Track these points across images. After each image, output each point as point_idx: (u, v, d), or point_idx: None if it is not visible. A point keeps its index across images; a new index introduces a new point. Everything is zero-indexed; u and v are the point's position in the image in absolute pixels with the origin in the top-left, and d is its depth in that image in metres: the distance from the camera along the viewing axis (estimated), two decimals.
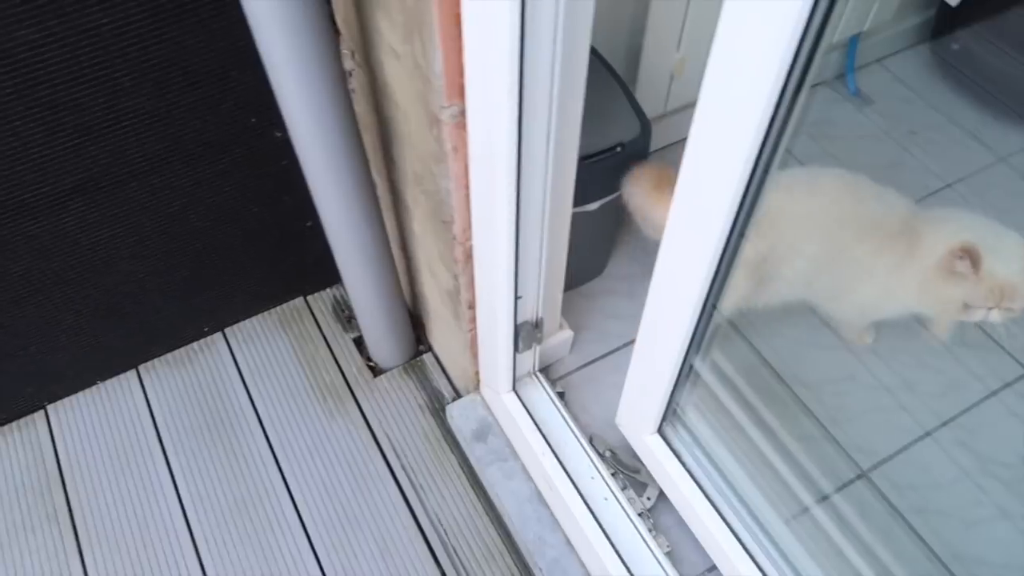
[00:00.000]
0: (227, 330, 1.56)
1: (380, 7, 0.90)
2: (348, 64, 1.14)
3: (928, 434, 1.38)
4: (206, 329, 1.54)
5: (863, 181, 1.31)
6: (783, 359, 1.46)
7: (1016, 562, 1.25)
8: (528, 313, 1.20)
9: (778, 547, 1.15)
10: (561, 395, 1.41)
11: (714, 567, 1.22)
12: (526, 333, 1.22)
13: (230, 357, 1.52)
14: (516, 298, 1.11)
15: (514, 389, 1.34)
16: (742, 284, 1.36)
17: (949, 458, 1.36)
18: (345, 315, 1.58)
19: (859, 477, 1.33)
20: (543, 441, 1.28)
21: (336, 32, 1.09)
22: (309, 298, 1.61)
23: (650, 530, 1.22)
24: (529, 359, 1.32)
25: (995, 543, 1.27)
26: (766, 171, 0.73)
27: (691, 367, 1.09)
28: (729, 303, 1.44)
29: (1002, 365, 1.46)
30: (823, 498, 1.30)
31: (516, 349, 1.23)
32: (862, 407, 1.42)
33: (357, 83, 1.16)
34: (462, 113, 0.87)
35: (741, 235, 0.83)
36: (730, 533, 1.15)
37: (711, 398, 1.26)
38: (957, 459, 1.36)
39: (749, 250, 1.31)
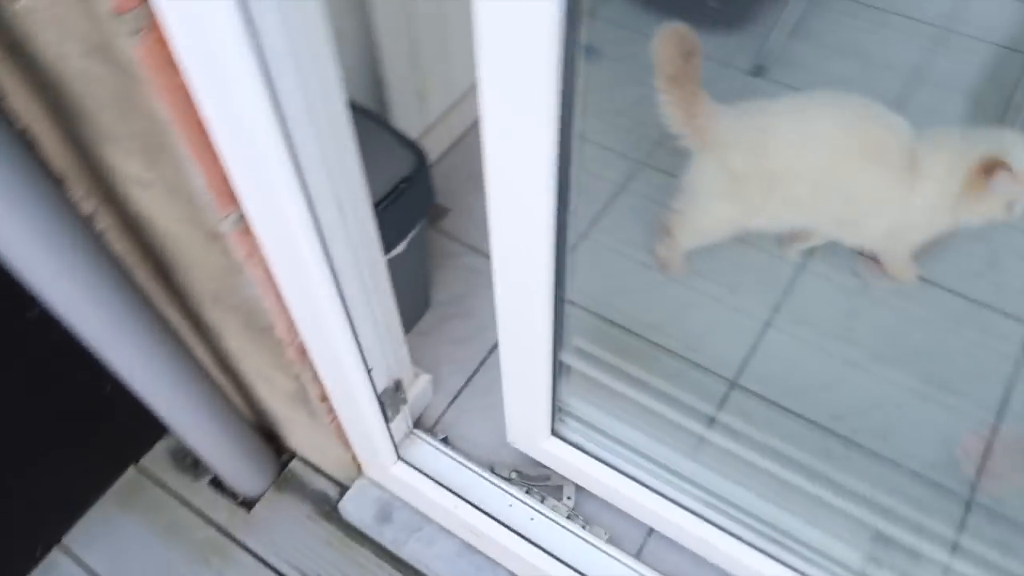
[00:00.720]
0: (64, 541, 1.34)
1: (107, 141, 0.81)
2: (88, 207, 1.01)
3: (768, 324, 1.51)
4: (39, 551, 1.32)
5: (867, 103, 1.34)
6: (624, 314, 1.53)
7: (878, 401, 1.40)
8: (385, 380, 1.14)
9: (694, 483, 1.20)
10: (445, 440, 1.37)
11: (651, 530, 1.25)
12: (390, 400, 1.17)
13: (80, 570, 1.32)
14: (368, 371, 1.05)
15: (399, 458, 1.28)
16: (725, 207, 1.42)
17: (792, 337, 1.49)
18: (188, 461, 1.43)
19: (732, 388, 1.43)
20: (449, 494, 1.24)
21: (59, 180, 0.97)
22: (142, 462, 1.43)
23: (583, 527, 1.23)
24: (402, 422, 1.27)
25: (857, 392, 1.42)
26: (568, 148, 0.73)
27: (560, 362, 1.10)
28: (714, 230, 1.51)
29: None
30: (711, 421, 1.37)
31: (387, 420, 1.17)
32: (706, 326, 1.52)
33: (107, 223, 1.03)
34: (242, 218, 0.80)
35: (564, 210, 0.84)
36: (651, 492, 1.18)
37: (585, 380, 1.29)
38: (798, 335, 1.50)
39: (738, 166, 1.36)
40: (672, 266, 1.58)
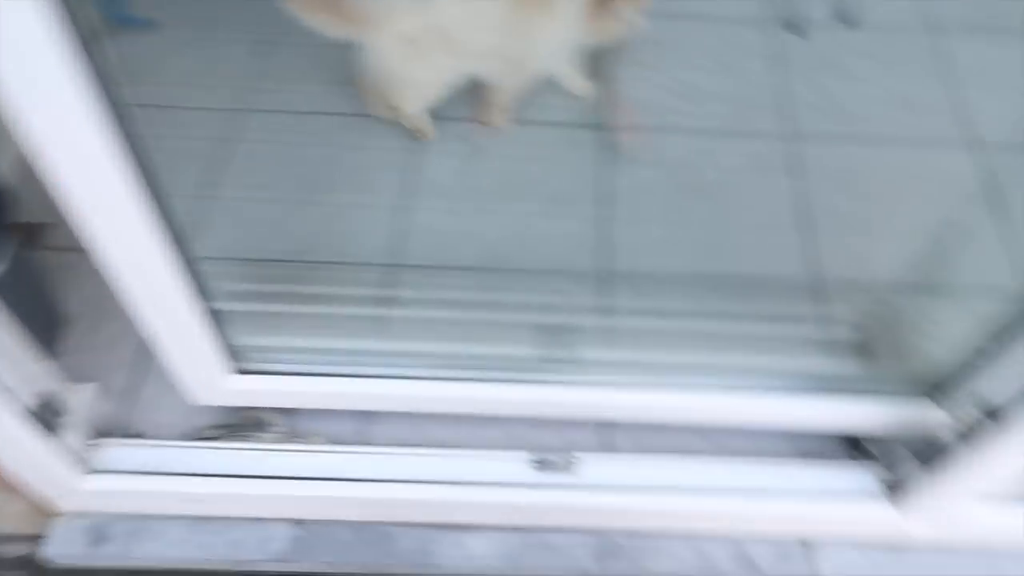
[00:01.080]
0: None
1: None
2: None
3: (408, 208, 1.60)
4: None
5: None
6: (283, 249, 1.54)
7: (515, 231, 1.57)
8: (32, 398, 1.03)
9: (389, 354, 1.26)
10: (137, 435, 1.27)
11: (366, 413, 1.30)
12: (46, 416, 1.06)
13: None
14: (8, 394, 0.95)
15: (91, 471, 1.18)
16: (418, 69, 1.57)
17: (431, 210, 1.59)
18: None
19: (394, 268, 1.51)
20: (157, 478, 1.18)
21: None
22: None
23: (309, 443, 1.24)
24: (76, 435, 1.15)
25: (497, 232, 1.57)
26: (127, 119, 0.75)
27: (217, 311, 1.08)
28: (427, 90, 1.63)
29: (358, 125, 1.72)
30: (391, 301, 1.45)
31: (53, 435, 1.07)
32: (356, 229, 1.57)
33: None
34: None
35: (151, 181, 0.83)
36: (350, 379, 1.23)
37: (260, 316, 1.28)
38: (435, 207, 1.60)
39: (409, 31, 1.51)
40: (425, 130, 1.69)
